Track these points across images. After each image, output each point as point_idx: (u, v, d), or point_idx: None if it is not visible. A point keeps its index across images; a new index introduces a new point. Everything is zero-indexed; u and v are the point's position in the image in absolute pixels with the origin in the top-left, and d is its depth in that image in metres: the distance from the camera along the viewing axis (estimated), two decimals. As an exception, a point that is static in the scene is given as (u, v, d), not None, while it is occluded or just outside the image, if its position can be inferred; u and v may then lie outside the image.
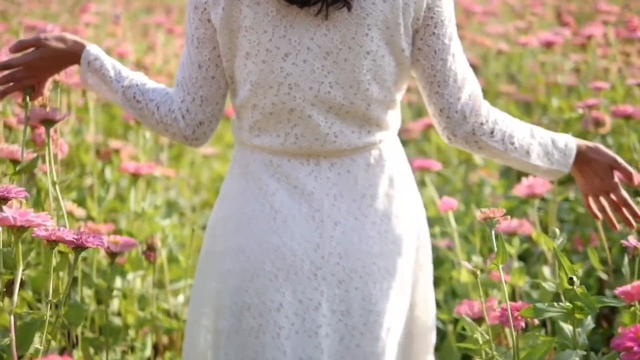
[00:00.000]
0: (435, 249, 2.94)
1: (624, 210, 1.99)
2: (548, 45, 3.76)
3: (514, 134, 1.92)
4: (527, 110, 4.23)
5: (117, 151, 3.50)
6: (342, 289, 1.86)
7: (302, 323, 1.85)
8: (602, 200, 2.01)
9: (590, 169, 1.98)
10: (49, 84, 1.99)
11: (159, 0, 10.12)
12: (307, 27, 1.79)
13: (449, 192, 3.42)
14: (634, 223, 1.98)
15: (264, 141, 1.87)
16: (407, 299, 1.96)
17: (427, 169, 2.73)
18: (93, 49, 1.95)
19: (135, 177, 2.39)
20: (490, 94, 4.56)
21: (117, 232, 2.80)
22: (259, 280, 1.86)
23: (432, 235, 2.84)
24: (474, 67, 3.53)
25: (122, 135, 3.99)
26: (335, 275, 1.86)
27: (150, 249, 2.17)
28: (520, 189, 2.41)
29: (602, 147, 1.99)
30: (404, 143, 4.73)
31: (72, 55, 1.94)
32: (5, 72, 1.95)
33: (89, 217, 2.92)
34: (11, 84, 1.96)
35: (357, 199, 1.88)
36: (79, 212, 2.52)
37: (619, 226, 2.04)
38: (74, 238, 1.64)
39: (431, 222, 3.23)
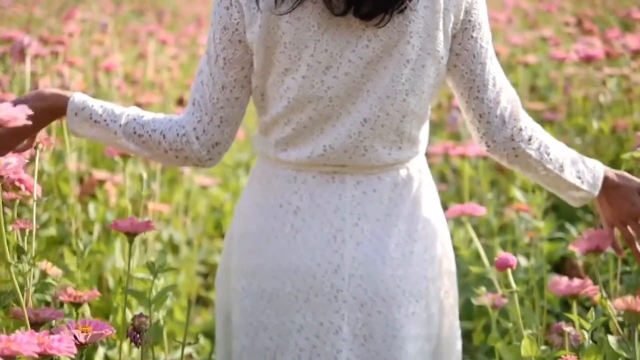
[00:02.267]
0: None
1: None
2: (588, 59, 3.34)
3: (549, 145, 1.86)
4: (560, 130, 3.80)
5: (102, 182, 3.08)
6: (364, 312, 1.80)
7: (323, 346, 1.80)
8: (630, 229, 1.91)
9: (618, 194, 1.91)
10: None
11: (150, 3, 9.69)
12: (348, 39, 1.72)
13: (483, 232, 3.01)
14: None
15: (290, 155, 1.81)
16: (434, 327, 1.89)
17: (470, 215, 2.30)
18: (77, 97, 1.83)
19: (131, 236, 1.92)
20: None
21: (102, 301, 2.38)
22: (279, 301, 1.81)
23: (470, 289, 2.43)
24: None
25: (110, 159, 3.55)
26: (357, 298, 1.79)
27: (137, 329, 1.72)
28: (580, 244, 1.98)
29: (627, 174, 1.93)
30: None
31: (55, 110, 1.84)
32: None
33: (67, 267, 2.50)
34: None
35: (382, 219, 1.82)
36: (54, 271, 2.09)
37: None
38: (35, 352, 1.20)
39: (469, 275, 2.82)
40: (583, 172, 1.88)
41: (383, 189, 1.82)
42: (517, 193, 2.73)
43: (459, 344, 1.99)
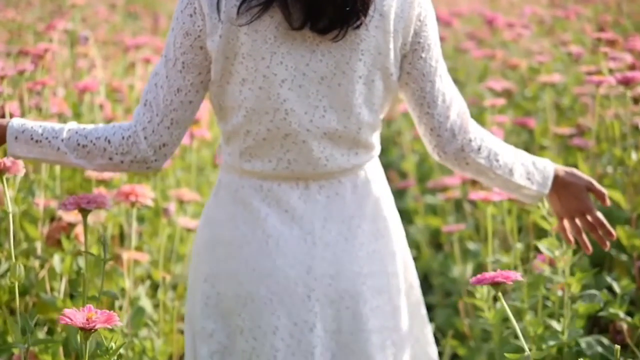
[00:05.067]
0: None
1: (599, 230, 2.07)
2: (626, 83, 2.93)
3: (498, 152, 1.99)
4: (591, 155, 3.38)
5: (72, 226, 2.68)
6: (334, 308, 1.89)
7: (298, 345, 1.87)
8: (577, 222, 2.08)
9: (568, 191, 2.05)
10: None
11: (144, 5, 9.28)
12: (302, 53, 1.82)
13: (509, 287, 2.61)
14: (607, 243, 2.08)
15: (255, 166, 1.89)
16: (401, 318, 1.97)
17: (502, 283, 1.88)
18: (15, 122, 1.90)
19: (87, 332, 1.56)
20: (537, 135, 3.73)
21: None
22: (254, 305, 1.88)
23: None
24: (508, 94, 2.78)
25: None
26: (328, 295, 1.89)
27: None
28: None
29: (577, 170, 2.07)
30: (441, 206, 3.95)
31: None
32: None
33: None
34: None
35: (346, 220, 1.92)
36: None
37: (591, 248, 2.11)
38: None
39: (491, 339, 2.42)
40: (533, 174, 2.01)
41: (345, 192, 1.92)
42: (542, 248, 2.32)
43: (429, 334, 2.10)
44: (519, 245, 2.47)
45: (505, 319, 2.44)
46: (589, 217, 2.07)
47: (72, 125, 1.91)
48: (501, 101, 3.25)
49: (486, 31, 6.06)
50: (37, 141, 1.88)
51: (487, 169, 1.98)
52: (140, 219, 3.28)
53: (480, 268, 3.15)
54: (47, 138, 1.88)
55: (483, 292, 2.41)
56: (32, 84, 3.24)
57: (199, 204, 3.24)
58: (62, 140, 1.88)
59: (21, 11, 7.04)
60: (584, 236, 2.09)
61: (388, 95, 1.91)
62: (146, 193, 2.46)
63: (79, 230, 2.66)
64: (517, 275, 1.86)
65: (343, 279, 1.89)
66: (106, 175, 2.81)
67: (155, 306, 2.98)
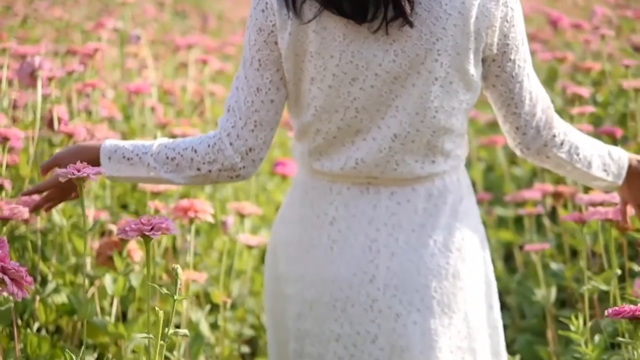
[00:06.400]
0: None
1: None
2: None
3: (579, 145, 1.95)
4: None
5: (124, 242, 2.47)
6: (400, 323, 1.81)
7: (361, 355, 1.82)
8: None
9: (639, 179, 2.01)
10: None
11: (193, 4, 9.11)
12: (375, 53, 1.76)
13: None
14: None
15: (324, 165, 1.86)
16: (479, 340, 1.87)
17: None
18: (107, 143, 1.89)
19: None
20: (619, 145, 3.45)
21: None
22: (318, 309, 1.85)
23: None
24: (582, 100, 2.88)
25: (140, 207, 2.94)
26: (392, 308, 1.82)
27: None
28: None
29: None
30: (513, 218, 3.68)
31: (92, 162, 1.79)
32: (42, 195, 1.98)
33: None
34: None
35: (417, 229, 1.85)
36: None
37: None
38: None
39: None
40: (609, 165, 1.97)
41: (417, 200, 1.85)
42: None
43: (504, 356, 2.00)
44: (619, 272, 2.20)
45: (605, 349, 2.18)
46: None
47: (162, 140, 1.88)
48: (590, 109, 2.99)
49: (549, 32, 5.80)
50: (128, 159, 1.87)
51: (567, 163, 1.95)
52: (196, 231, 3.07)
53: (562, 290, 2.89)
54: (137, 155, 1.86)
55: (578, 323, 2.16)
56: (81, 86, 3.06)
57: (260, 217, 3.01)
58: (152, 155, 1.86)
59: (68, 9, 6.90)
60: None
61: (471, 99, 1.85)
62: (206, 208, 2.28)
63: (131, 246, 2.45)
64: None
65: (409, 291, 1.82)
66: (161, 187, 2.59)
67: (212, 325, 2.77)
